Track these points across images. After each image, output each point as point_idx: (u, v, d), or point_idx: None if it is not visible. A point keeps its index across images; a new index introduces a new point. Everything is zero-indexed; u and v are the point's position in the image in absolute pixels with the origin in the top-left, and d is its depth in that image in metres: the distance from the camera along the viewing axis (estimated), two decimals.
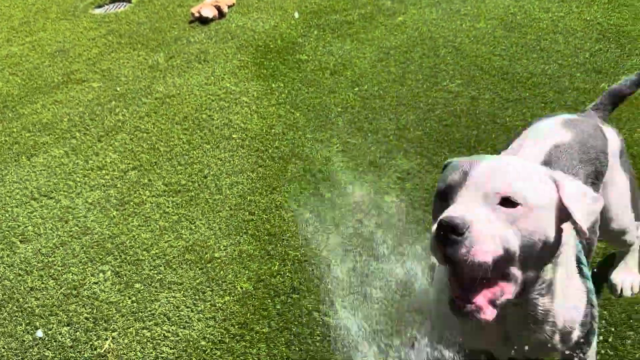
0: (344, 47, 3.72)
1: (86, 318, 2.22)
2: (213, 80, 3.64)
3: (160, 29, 4.41)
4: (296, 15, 4.21)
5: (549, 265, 1.16)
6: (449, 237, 1.01)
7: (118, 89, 3.72)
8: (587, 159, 1.47)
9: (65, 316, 2.24)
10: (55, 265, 2.49)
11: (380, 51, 3.60)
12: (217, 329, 2.09)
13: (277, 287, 2.20)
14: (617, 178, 1.63)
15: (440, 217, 1.03)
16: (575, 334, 1.31)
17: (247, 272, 2.29)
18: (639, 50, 3.13)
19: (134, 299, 2.27)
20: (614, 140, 1.64)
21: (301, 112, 3.19)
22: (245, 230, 2.49)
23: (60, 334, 2.17)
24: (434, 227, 1.05)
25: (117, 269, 2.42)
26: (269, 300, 2.15)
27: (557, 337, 1.28)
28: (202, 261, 2.38)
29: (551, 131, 1.53)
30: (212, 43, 4.08)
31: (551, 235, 1.10)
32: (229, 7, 4.48)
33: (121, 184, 2.90)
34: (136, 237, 2.57)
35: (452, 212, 1.04)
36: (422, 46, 3.56)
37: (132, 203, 2.76)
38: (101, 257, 2.49)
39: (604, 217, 1.56)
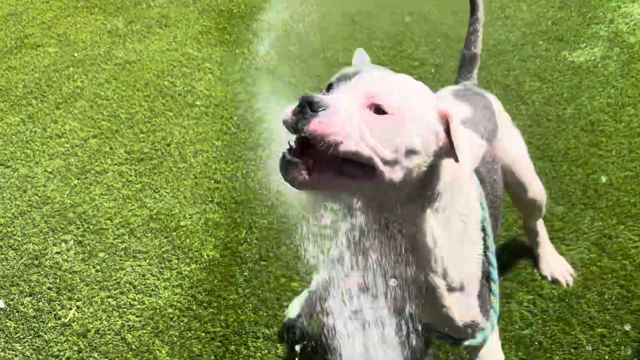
0: (309, 9, 3.66)
1: (49, 288, 2.18)
2: (175, 45, 3.55)
3: None
4: None
5: (428, 210, 1.15)
6: (304, 111, 0.98)
7: (76, 54, 3.59)
8: (483, 124, 1.55)
9: (27, 286, 2.20)
10: (14, 235, 2.42)
11: (346, 17, 3.56)
12: (183, 296, 2.09)
13: (244, 255, 2.20)
14: (512, 132, 1.76)
15: (304, 96, 1.00)
16: (470, 292, 1.30)
17: (213, 240, 2.28)
18: (598, 19, 3.18)
19: (98, 268, 2.24)
20: (497, 103, 1.77)
21: (266, 77, 3.15)
22: (210, 199, 2.47)
23: (22, 304, 2.14)
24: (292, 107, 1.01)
25: (79, 238, 2.37)
26: (236, 268, 2.16)
27: (442, 283, 1.24)
28: (168, 229, 2.36)
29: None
30: (173, 7, 3.96)
31: (416, 147, 1.05)
32: None
33: (82, 152, 2.83)
34: (99, 206, 2.52)
35: (319, 95, 1.02)
36: (389, 12, 3.53)
37: (93, 171, 2.70)
38: (63, 226, 2.44)
39: (510, 171, 1.67)
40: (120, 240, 2.34)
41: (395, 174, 1.04)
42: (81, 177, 2.68)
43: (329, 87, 1.12)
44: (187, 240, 2.30)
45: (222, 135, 2.81)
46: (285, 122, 1.01)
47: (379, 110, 1.03)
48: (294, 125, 0.99)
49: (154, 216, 2.43)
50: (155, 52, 3.50)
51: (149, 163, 2.70)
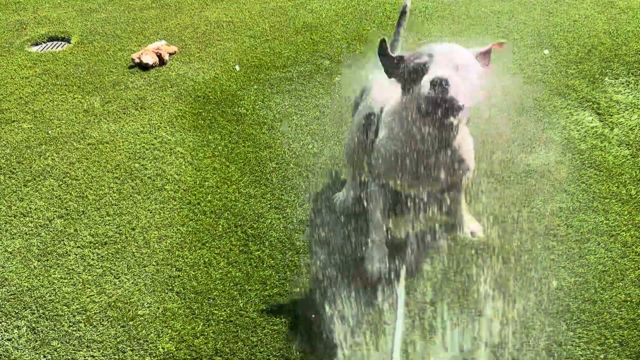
0: (282, 103, 3.82)
1: None
2: (149, 128, 3.64)
3: (99, 72, 4.37)
4: (237, 68, 4.30)
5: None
6: (442, 87, 1.78)
7: (50, 132, 3.64)
8: None
9: None
10: None
11: (317, 109, 3.72)
12: None
13: (200, 349, 2.18)
14: None
15: (431, 77, 1.80)
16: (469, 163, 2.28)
17: (170, 331, 2.27)
18: (552, 124, 3.39)
19: (49, 357, 2.20)
20: None
21: (236, 165, 3.23)
22: (170, 287, 2.47)
23: None
24: (427, 85, 1.81)
25: (33, 325, 2.33)
26: None
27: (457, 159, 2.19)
28: (125, 318, 2.34)
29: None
30: (150, 90, 4.09)
31: (477, 80, 1.94)
32: (171, 54, 4.52)
33: (45, 232, 2.82)
34: (57, 290, 2.49)
35: (436, 74, 1.81)
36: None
37: (55, 254, 2.69)
38: (17, 311, 2.40)
39: None
40: (75, 328, 2.31)
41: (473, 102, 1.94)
42: (42, 259, 2.66)
43: (422, 67, 1.90)
44: (144, 330, 2.28)
45: (187, 221, 2.84)
46: (427, 99, 1.82)
47: (459, 67, 1.87)
48: (440, 94, 1.79)
49: (112, 303, 2.41)
50: (129, 134, 3.58)
51: (112, 247, 2.71)
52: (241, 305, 2.36)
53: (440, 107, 1.81)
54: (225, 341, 2.20)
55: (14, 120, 3.79)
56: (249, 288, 2.45)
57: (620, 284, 2.34)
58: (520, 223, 2.67)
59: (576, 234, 2.60)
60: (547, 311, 2.23)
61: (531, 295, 2.31)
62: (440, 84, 1.77)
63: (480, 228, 2.62)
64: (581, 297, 2.29)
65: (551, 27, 4.59)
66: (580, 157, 3.09)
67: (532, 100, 3.63)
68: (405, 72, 1.99)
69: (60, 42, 4.97)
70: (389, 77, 2.12)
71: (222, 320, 2.30)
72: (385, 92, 2.36)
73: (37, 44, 4.94)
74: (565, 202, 2.79)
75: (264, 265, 2.56)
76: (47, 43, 4.97)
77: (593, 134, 3.26)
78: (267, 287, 2.45)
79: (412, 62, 1.95)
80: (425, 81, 1.81)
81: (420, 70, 1.89)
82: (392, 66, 2.08)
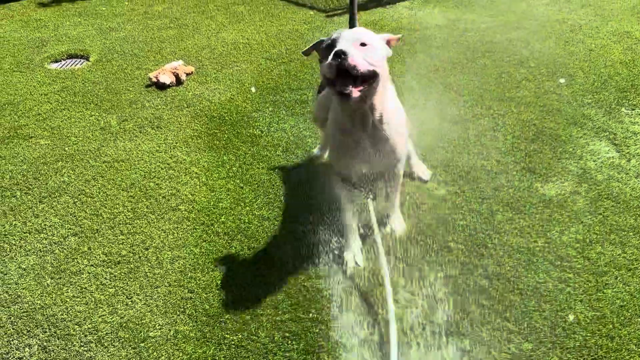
0: (297, 125, 3.83)
1: None
2: (164, 147, 3.66)
3: (116, 90, 4.42)
4: (253, 89, 4.33)
5: (380, 85, 2.22)
6: (341, 57, 2.00)
7: (66, 148, 3.68)
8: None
9: None
10: None
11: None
12: None
13: None
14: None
15: (335, 49, 2.02)
16: (400, 147, 2.54)
17: (180, 354, 2.25)
18: (568, 154, 3.37)
19: None
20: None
21: (250, 187, 3.24)
22: (183, 309, 2.46)
23: None
24: (331, 56, 2.03)
25: (44, 344, 2.32)
26: None
27: (394, 137, 2.44)
28: (136, 340, 2.32)
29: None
30: (167, 109, 4.13)
31: (382, 61, 2.20)
32: (187, 75, 4.57)
33: (59, 250, 2.83)
34: (69, 309, 2.49)
35: (340, 46, 2.05)
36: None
37: (68, 272, 2.69)
38: (29, 329, 2.39)
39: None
40: (86, 349, 2.30)
41: (382, 71, 2.19)
42: (55, 276, 2.67)
43: (330, 45, 2.16)
44: (155, 353, 2.26)
45: (201, 242, 2.84)
46: (329, 65, 2.02)
47: (363, 44, 2.14)
48: (338, 64, 2.01)
49: (124, 324, 2.40)
50: (145, 153, 3.60)
51: (125, 267, 2.71)
52: (253, 330, 2.34)
53: (341, 75, 2.04)
54: None
55: (31, 137, 3.83)
56: (261, 312, 2.43)
57: (639, 319, 2.30)
58: (535, 254, 2.65)
59: (593, 266, 2.56)
60: (564, 346, 2.20)
61: (546, 330, 2.27)
62: (339, 55, 2.01)
63: (403, 227, 2.83)
64: (599, 332, 2.25)
65: (567, 56, 4.59)
66: (597, 187, 3.06)
67: (547, 129, 3.62)
68: (321, 50, 2.30)
69: (79, 60, 5.04)
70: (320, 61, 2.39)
71: (233, 344, 2.28)
72: None
73: (56, 61, 5.02)
74: (582, 233, 2.76)
75: (276, 289, 2.55)
76: (67, 60, 5.05)
77: (610, 165, 3.24)
78: (279, 312, 2.43)
79: (325, 42, 2.25)
80: (331, 54, 2.06)
81: (330, 47, 2.15)
82: (317, 48, 2.38)
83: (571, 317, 2.31)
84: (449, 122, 3.76)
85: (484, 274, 2.54)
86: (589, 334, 2.24)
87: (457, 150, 3.46)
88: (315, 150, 3.54)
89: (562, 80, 4.21)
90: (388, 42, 2.35)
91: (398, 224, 2.86)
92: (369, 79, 2.13)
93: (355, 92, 2.08)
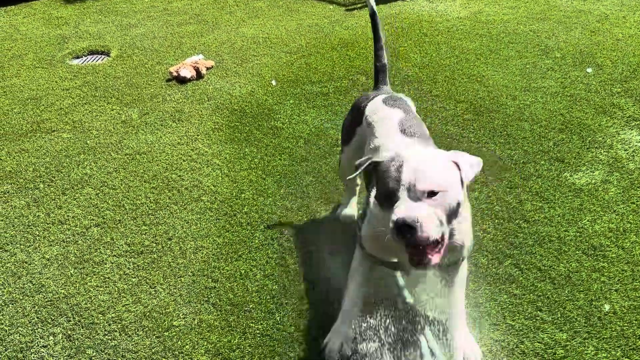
0: (318, 117, 3.79)
1: None
2: (186, 140, 3.64)
3: (137, 84, 4.42)
4: (273, 82, 4.30)
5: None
6: (409, 232, 1.56)
7: (88, 142, 3.68)
8: (413, 120, 2.21)
9: None
10: (2, 324, 2.36)
11: None
12: None
13: None
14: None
15: (395, 217, 1.58)
16: (467, 244, 1.94)
17: (205, 343, 2.22)
18: (598, 143, 3.28)
19: None
20: (411, 103, 2.42)
21: (273, 178, 3.20)
22: (206, 299, 2.43)
23: None
24: (391, 224, 1.59)
25: (69, 332, 2.31)
26: None
27: (458, 236, 1.86)
28: (160, 329, 2.30)
29: (387, 114, 2.23)
30: (188, 103, 4.11)
31: (460, 198, 1.69)
32: (208, 69, 4.55)
33: (82, 240, 2.82)
34: (93, 298, 2.47)
35: (402, 212, 1.58)
36: None
37: (91, 262, 2.68)
38: (53, 318, 2.38)
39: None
40: (110, 337, 2.27)
41: (463, 216, 1.80)
42: (78, 266, 2.65)
43: (391, 193, 1.64)
44: (179, 342, 2.23)
45: (224, 232, 2.81)
46: (394, 238, 1.60)
47: (432, 193, 1.61)
48: (407, 241, 1.59)
49: (148, 313, 2.38)
50: (167, 145, 3.59)
51: (149, 257, 2.68)
52: (278, 318, 2.30)
53: (413, 249, 1.64)
54: (262, 355, 2.14)
55: (54, 130, 3.84)
56: (286, 302, 2.39)
57: None
58: (566, 243, 2.57)
59: (628, 255, 2.48)
60: (600, 336, 2.12)
61: (581, 319, 2.19)
62: (405, 230, 1.56)
63: (478, 355, 2.06)
64: (636, 322, 2.16)
65: (594, 46, 4.49)
66: (629, 176, 2.97)
67: (575, 118, 3.53)
68: (374, 179, 1.81)
69: (100, 56, 5.06)
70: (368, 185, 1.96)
71: (258, 333, 2.24)
72: (392, 138, 2.11)
73: (77, 57, 5.04)
74: (615, 222, 2.68)
75: (301, 279, 2.51)
76: (88, 56, 5.07)
77: None
78: (304, 302, 2.38)
79: (383, 178, 1.69)
80: (394, 217, 1.59)
81: (389, 196, 1.65)
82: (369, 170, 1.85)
83: (607, 307, 2.23)
84: (473, 112, 3.69)
85: (514, 262, 2.47)
86: (626, 324, 2.16)
87: (483, 140, 3.38)
88: (341, 211, 2.83)
89: (589, 70, 4.11)
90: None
91: (470, 350, 2.06)
92: (441, 241, 1.66)
93: (436, 258, 1.65)
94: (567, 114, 3.59)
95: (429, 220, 1.58)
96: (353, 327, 2.14)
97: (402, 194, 1.61)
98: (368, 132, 2.27)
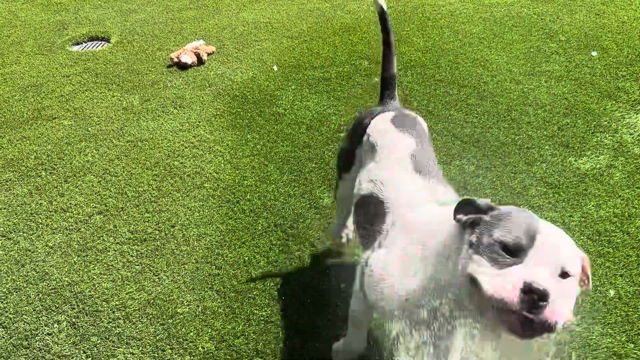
0: (320, 103, 3.76)
1: None
2: (188, 126, 3.62)
3: (138, 71, 4.39)
4: (275, 68, 4.26)
5: None
6: (539, 302, 1.14)
7: (89, 129, 3.66)
8: (429, 156, 1.80)
9: None
10: (6, 312, 2.36)
11: (356, 109, 3.65)
12: None
13: (240, 349, 2.13)
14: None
15: (526, 280, 1.15)
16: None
17: (209, 330, 2.22)
18: (603, 127, 3.25)
19: (89, 353, 2.17)
20: (425, 125, 2.00)
21: (275, 165, 3.18)
22: (210, 286, 2.42)
23: None
24: (517, 282, 1.16)
25: (73, 320, 2.31)
26: None
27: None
28: (164, 316, 2.30)
29: (396, 139, 1.83)
30: (189, 89, 4.08)
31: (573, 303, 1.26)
32: (209, 55, 4.51)
33: (85, 228, 2.81)
34: (96, 286, 2.47)
35: (535, 277, 1.16)
36: None
37: (94, 249, 2.67)
38: (57, 305, 2.38)
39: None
40: (114, 325, 2.28)
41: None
42: (82, 254, 2.65)
43: (516, 249, 1.22)
44: (183, 329, 2.23)
45: (227, 219, 2.80)
46: (511, 302, 1.16)
47: (565, 274, 1.20)
48: (531, 312, 1.15)
49: (152, 301, 2.38)
50: (168, 132, 3.56)
51: (152, 244, 2.68)
52: (281, 306, 2.30)
53: (526, 326, 1.18)
54: (267, 342, 2.14)
55: (55, 117, 3.82)
56: (289, 289, 2.39)
57: None
58: (571, 228, 2.56)
59: (633, 240, 2.47)
60: (605, 321, 2.11)
61: (586, 305, 2.19)
62: (536, 297, 1.15)
63: None
64: None
65: (598, 29, 4.44)
66: (635, 161, 2.95)
67: (580, 102, 3.50)
68: (486, 237, 1.27)
69: (100, 42, 5.02)
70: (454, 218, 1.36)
71: (262, 320, 2.24)
72: (400, 176, 1.73)
73: (77, 44, 5.00)
74: (620, 207, 2.66)
75: (304, 266, 2.50)
76: (88, 43, 5.02)
77: None
78: (308, 288, 2.38)
79: (499, 231, 1.26)
80: (515, 279, 1.18)
81: (509, 252, 1.23)
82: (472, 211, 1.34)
83: (612, 292, 2.22)
84: (476, 97, 3.66)
85: None
86: (631, 309, 2.15)
87: (487, 125, 3.36)
88: (334, 229, 2.56)
89: (594, 53, 4.07)
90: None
91: None
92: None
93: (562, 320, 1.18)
94: (572, 98, 3.56)
95: (562, 304, 1.17)
96: (361, 344, 1.94)
97: (534, 262, 1.20)
98: (368, 156, 1.90)
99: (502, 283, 1.18)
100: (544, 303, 1.14)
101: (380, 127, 1.91)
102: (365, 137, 1.94)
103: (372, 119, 1.98)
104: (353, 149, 2.02)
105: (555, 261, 1.19)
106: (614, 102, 3.48)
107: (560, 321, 1.16)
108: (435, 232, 1.42)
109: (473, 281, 1.24)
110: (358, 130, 2.01)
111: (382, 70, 2.19)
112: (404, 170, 1.73)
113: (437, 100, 3.67)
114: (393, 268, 1.49)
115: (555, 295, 1.15)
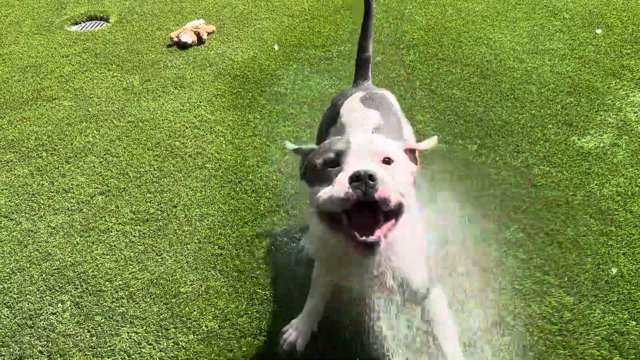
0: (322, 82, 3.73)
1: (40, 352, 2.11)
2: (188, 107, 3.60)
3: (137, 50, 4.35)
4: (276, 47, 4.22)
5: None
6: (366, 183, 1.29)
7: (90, 109, 3.64)
8: (394, 127, 1.90)
9: (18, 348, 2.13)
10: (10, 292, 2.37)
11: None
12: None
13: (244, 327, 2.14)
14: (406, 124, 2.09)
15: (354, 170, 1.31)
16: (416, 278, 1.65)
17: (213, 309, 2.23)
18: (607, 106, 3.22)
19: (93, 332, 2.18)
20: (394, 100, 2.13)
21: (277, 145, 3.17)
22: (213, 265, 2.43)
23: None
24: (344, 179, 1.32)
25: (77, 300, 2.32)
26: (235, 342, 2.09)
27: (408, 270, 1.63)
28: (167, 296, 2.31)
29: (362, 115, 1.89)
30: (189, 69, 4.05)
31: (410, 179, 1.50)
32: (209, 34, 4.47)
33: (87, 209, 2.81)
34: (99, 266, 2.48)
35: (360, 166, 1.33)
36: (399, 87, 3.59)
37: (97, 230, 2.68)
38: (61, 285, 2.39)
39: None
40: (118, 304, 2.29)
41: (410, 201, 1.45)
42: (84, 234, 2.65)
43: (332, 162, 1.42)
44: (187, 308, 2.24)
45: (229, 199, 2.80)
46: (345, 195, 1.31)
47: (388, 161, 1.43)
48: (363, 194, 1.30)
49: (155, 280, 2.38)
50: (169, 112, 3.54)
51: (154, 224, 2.68)
52: (284, 286, 2.30)
53: (364, 212, 1.33)
54: (269, 321, 2.15)
55: (55, 98, 3.80)
56: (292, 269, 2.39)
57: None
58: (574, 207, 2.55)
59: (636, 219, 2.46)
60: (607, 299, 2.12)
61: (588, 283, 2.19)
62: (363, 179, 1.29)
63: None
64: None
65: (603, 7, 4.38)
66: (639, 139, 2.93)
67: (584, 81, 3.47)
68: (311, 168, 1.49)
69: (99, 22, 4.97)
70: (301, 178, 1.60)
71: (266, 299, 2.25)
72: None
73: (76, 23, 4.95)
74: (623, 186, 2.65)
75: (307, 246, 2.50)
76: (86, 22, 4.97)
77: None
78: (311, 268, 2.38)
79: (320, 156, 1.46)
80: (342, 178, 1.34)
81: (332, 163, 1.42)
82: (308, 164, 1.55)
83: (614, 270, 2.22)
84: (479, 76, 3.63)
85: (521, 227, 2.46)
86: (633, 287, 2.16)
87: (490, 104, 3.33)
88: (304, 243, 2.48)
89: (598, 31, 4.02)
90: (410, 151, 1.60)
91: None
92: (395, 214, 1.38)
93: (384, 240, 1.35)
94: (576, 77, 3.52)
95: (389, 181, 1.33)
96: (312, 325, 2.04)
97: (353, 156, 1.40)
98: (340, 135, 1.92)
99: (335, 188, 1.34)
100: (374, 182, 1.29)
101: (350, 107, 1.99)
102: (338, 119, 1.99)
103: (345, 100, 2.05)
104: (327, 128, 2.07)
105: (374, 154, 1.40)
106: (618, 80, 3.44)
107: (391, 195, 1.31)
108: None
109: (321, 215, 1.42)
110: (332, 110, 2.09)
111: (358, 52, 2.32)
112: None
113: (440, 79, 3.63)
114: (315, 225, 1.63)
115: (383, 176, 1.32)
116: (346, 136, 1.49)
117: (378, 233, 1.33)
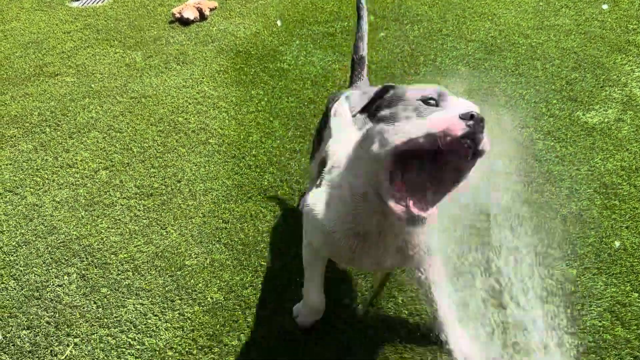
0: (325, 58, 3.71)
1: (47, 322, 2.13)
2: (191, 82, 3.58)
3: (140, 27, 4.32)
4: (279, 23, 4.19)
5: None
6: (475, 124, 1.16)
7: (93, 85, 3.62)
8: None
9: (26, 319, 2.15)
10: (17, 264, 2.39)
11: None
12: (184, 339, 2.04)
13: (249, 299, 2.16)
14: None
15: (467, 110, 1.18)
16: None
17: (218, 281, 2.24)
18: (612, 81, 3.21)
19: (99, 303, 2.20)
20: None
21: (280, 121, 3.16)
22: (218, 239, 2.44)
23: (19, 337, 2.09)
24: (452, 113, 1.19)
25: (83, 272, 2.34)
26: (240, 313, 2.11)
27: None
28: (172, 268, 2.32)
29: (346, 109, 1.84)
30: (192, 45, 4.02)
31: None
32: (211, 10, 4.43)
33: (91, 183, 2.82)
34: (104, 239, 2.49)
35: (471, 108, 1.21)
36: (402, 63, 3.57)
37: (101, 204, 2.69)
38: (67, 258, 2.41)
39: None
40: (123, 277, 2.30)
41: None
42: (89, 208, 2.66)
43: (430, 99, 1.29)
44: (192, 280, 2.26)
45: (233, 174, 2.80)
46: (454, 127, 1.16)
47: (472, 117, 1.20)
48: (471, 134, 1.16)
49: (160, 253, 2.40)
50: (172, 88, 3.53)
51: (158, 199, 2.69)
52: (289, 260, 2.32)
53: (421, 174, 1.25)
54: (274, 293, 2.17)
55: (57, 74, 3.78)
56: (296, 243, 2.40)
57: None
58: (578, 182, 2.55)
59: (639, 193, 2.47)
60: (610, 272, 2.13)
61: (591, 256, 2.20)
62: (474, 119, 1.17)
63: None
64: None
65: None
66: None
67: (589, 57, 3.44)
68: (398, 103, 1.33)
69: None
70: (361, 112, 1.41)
71: (270, 272, 2.26)
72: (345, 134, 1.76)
73: None
74: (627, 160, 2.65)
75: None
76: None
77: None
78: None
79: (416, 91, 1.32)
80: (449, 112, 1.21)
81: (429, 104, 1.28)
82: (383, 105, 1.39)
83: (617, 244, 2.23)
84: (484, 51, 3.60)
85: (525, 201, 2.46)
86: (635, 260, 2.17)
87: (495, 80, 3.31)
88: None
89: (604, 7, 3.98)
90: None
91: (470, 353, 1.81)
92: (459, 178, 1.26)
93: (432, 210, 1.24)
94: (581, 52, 3.50)
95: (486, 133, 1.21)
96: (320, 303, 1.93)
97: (451, 103, 1.27)
98: (328, 136, 1.92)
99: (441, 117, 1.20)
100: (481, 124, 1.17)
101: (337, 107, 1.95)
102: (329, 120, 1.97)
103: (334, 102, 2.01)
104: (321, 131, 2.06)
105: (467, 107, 1.23)
106: (624, 55, 3.42)
107: (486, 145, 1.19)
108: (348, 149, 1.51)
109: (380, 139, 1.28)
110: (326, 112, 2.08)
111: (352, 52, 2.28)
112: (348, 129, 1.74)
113: (445, 55, 3.61)
114: (319, 203, 1.59)
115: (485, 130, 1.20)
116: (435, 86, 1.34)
117: (431, 209, 1.23)
